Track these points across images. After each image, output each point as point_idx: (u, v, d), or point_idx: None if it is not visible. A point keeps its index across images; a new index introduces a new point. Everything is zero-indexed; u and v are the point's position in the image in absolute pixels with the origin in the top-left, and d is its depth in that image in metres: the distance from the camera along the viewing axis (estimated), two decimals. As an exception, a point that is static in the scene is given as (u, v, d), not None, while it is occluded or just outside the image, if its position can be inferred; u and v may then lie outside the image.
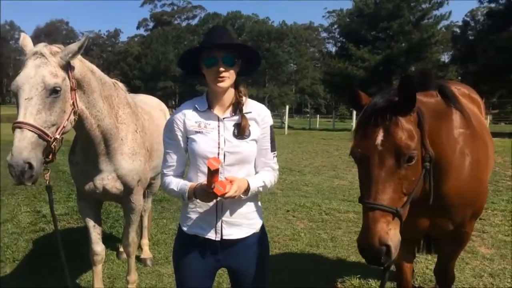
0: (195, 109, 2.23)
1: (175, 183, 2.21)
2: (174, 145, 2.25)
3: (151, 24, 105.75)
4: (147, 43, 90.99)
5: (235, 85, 2.23)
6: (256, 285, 2.30)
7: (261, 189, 2.21)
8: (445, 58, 51.58)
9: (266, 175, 2.25)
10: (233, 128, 2.18)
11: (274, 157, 2.30)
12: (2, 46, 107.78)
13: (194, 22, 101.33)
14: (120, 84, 3.67)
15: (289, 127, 30.17)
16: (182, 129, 2.22)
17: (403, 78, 1.95)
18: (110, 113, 3.19)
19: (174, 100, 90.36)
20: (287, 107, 33.23)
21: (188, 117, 2.21)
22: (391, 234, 1.84)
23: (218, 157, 2.11)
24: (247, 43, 2.18)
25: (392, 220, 1.87)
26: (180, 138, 2.22)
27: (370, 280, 4.30)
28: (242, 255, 2.25)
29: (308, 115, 55.43)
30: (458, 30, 46.85)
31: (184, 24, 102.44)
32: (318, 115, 50.17)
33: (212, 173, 1.93)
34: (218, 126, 2.18)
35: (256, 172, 2.28)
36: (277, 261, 4.80)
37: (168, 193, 2.30)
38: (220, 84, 2.12)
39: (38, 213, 6.65)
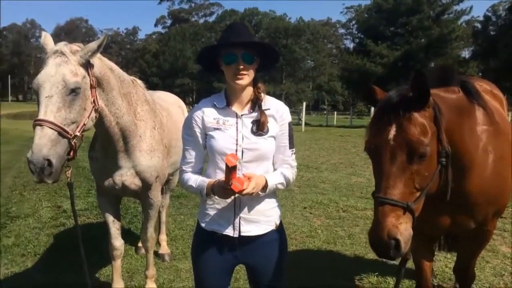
0: (214, 106, 2.23)
1: (194, 179, 2.23)
2: (193, 141, 2.26)
3: (169, 22, 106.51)
4: (164, 40, 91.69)
5: (254, 82, 2.22)
6: (273, 282, 2.30)
7: (279, 186, 2.21)
8: (466, 54, 50.71)
9: (285, 172, 2.24)
10: (251, 125, 2.18)
11: (292, 154, 2.29)
12: (23, 44, 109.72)
13: (211, 19, 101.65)
14: (139, 81, 3.70)
15: (306, 124, 30.08)
16: (201, 126, 2.23)
17: (416, 74, 1.94)
18: (128, 110, 3.23)
19: (191, 97, 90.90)
20: (304, 104, 33.08)
21: (207, 114, 2.22)
22: (401, 228, 1.85)
23: (236, 154, 2.12)
24: (264, 40, 2.18)
25: (403, 215, 1.88)
26: (199, 135, 2.24)
27: (388, 277, 4.26)
28: (260, 252, 2.25)
29: (325, 112, 55.14)
30: (479, 25, 46.07)
31: (201, 21, 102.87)
32: (335, 112, 49.90)
33: (230, 170, 1.93)
34: (237, 123, 2.18)
35: (275, 169, 2.27)
36: (294, 258, 4.79)
37: (186, 189, 2.31)
38: (239, 82, 2.13)
39: (58, 208, 6.77)
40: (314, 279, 4.27)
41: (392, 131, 1.94)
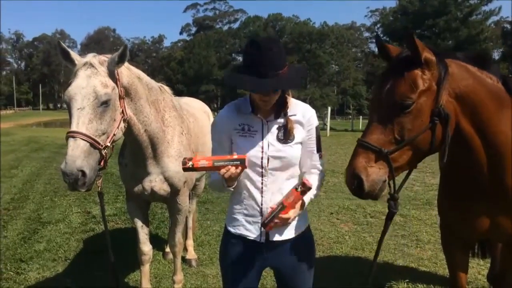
0: (239, 111, 2.21)
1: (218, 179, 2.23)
2: (220, 147, 2.25)
3: (193, 29, 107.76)
4: (189, 47, 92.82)
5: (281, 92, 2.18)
6: (301, 287, 2.28)
7: (313, 197, 2.19)
8: (495, 55, 49.41)
9: (315, 182, 2.20)
10: (277, 131, 2.16)
11: (320, 157, 2.26)
12: (53, 54, 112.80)
13: (235, 25, 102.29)
14: (166, 88, 3.74)
15: (331, 128, 29.86)
16: (227, 132, 2.21)
17: (406, 36, 2.04)
18: (156, 118, 3.26)
19: (216, 103, 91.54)
20: (329, 108, 32.86)
21: (232, 119, 2.20)
22: (370, 170, 1.97)
23: (262, 161, 2.12)
24: (291, 67, 2.03)
25: (375, 159, 1.99)
26: (225, 140, 2.23)
27: (419, 285, 4.16)
28: (288, 256, 2.23)
29: (350, 117, 54.57)
30: (508, 26, 44.78)
31: (225, 28, 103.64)
32: (360, 116, 49.28)
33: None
34: (262, 129, 2.16)
35: (303, 173, 2.25)
36: (321, 263, 4.72)
37: (212, 187, 2.31)
38: (265, 105, 2.11)
39: (88, 214, 6.90)
40: (342, 286, 4.21)
41: (387, 86, 2.06)
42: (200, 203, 7.30)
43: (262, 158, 2.13)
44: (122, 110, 2.82)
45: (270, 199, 2.15)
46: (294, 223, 2.20)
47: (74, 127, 2.53)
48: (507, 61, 36.63)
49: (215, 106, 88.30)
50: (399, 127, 2.01)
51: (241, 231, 2.23)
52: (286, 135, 2.14)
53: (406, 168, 2.15)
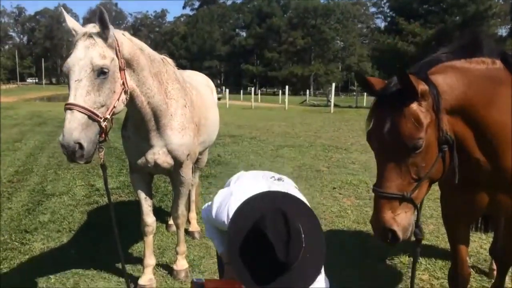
0: None
1: (214, 233, 2.33)
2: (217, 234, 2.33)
3: (197, 3, 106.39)
4: (193, 22, 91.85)
5: None
6: None
7: None
8: (503, 31, 48.59)
9: None
10: None
11: None
12: (55, 28, 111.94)
13: (239, 0, 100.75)
14: (169, 60, 3.69)
15: (335, 105, 29.73)
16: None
17: (398, 72, 1.91)
18: (159, 90, 3.23)
19: (219, 79, 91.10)
20: (333, 85, 32.64)
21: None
22: (398, 219, 1.94)
23: None
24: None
25: (400, 205, 1.96)
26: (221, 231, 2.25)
27: (421, 258, 4.18)
28: None
29: (354, 93, 54.25)
30: (518, 1, 43.89)
31: (229, 2, 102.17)
32: (365, 93, 48.96)
33: None
34: None
35: None
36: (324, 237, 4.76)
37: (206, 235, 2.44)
38: None
39: (92, 187, 6.94)
40: (344, 259, 4.24)
41: (386, 126, 1.96)
42: (203, 178, 7.32)
43: None
44: (123, 82, 2.78)
45: None
46: None
47: (71, 99, 2.50)
48: (515, 38, 36.06)
49: (218, 82, 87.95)
50: (414, 167, 1.96)
51: None
52: None
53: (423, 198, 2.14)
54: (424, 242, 4.65)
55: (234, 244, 1.71)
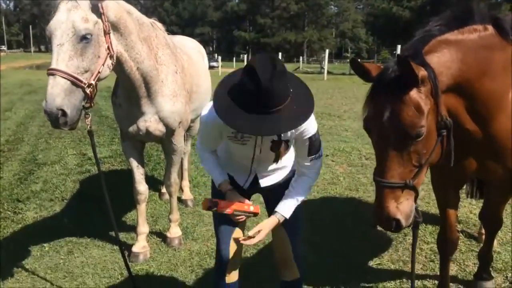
0: None
1: (212, 164, 2.30)
2: (211, 136, 2.23)
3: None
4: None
5: None
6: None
7: (299, 203, 2.23)
8: (499, -4, 47.93)
9: (301, 189, 2.21)
10: (270, 143, 2.12)
11: (311, 160, 2.16)
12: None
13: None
14: (158, 24, 3.59)
15: (328, 72, 29.52)
16: (218, 133, 2.15)
17: (398, 59, 1.85)
18: (149, 55, 3.15)
19: (211, 46, 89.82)
20: (327, 51, 32.26)
21: (225, 126, 1.97)
22: (401, 207, 1.93)
23: (253, 159, 2.20)
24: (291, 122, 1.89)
25: (402, 193, 1.94)
26: (217, 136, 2.20)
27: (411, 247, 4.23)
28: (279, 188, 2.31)
29: (348, 60, 53.88)
30: (514, -36, 43.10)
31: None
32: (359, 60, 48.63)
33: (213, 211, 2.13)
34: (256, 140, 2.12)
35: (299, 167, 2.24)
36: (316, 204, 4.81)
37: (203, 166, 2.39)
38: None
39: (83, 156, 6.89)
40: (337, 225, 4.29)
41: (386, 113, 1.89)
42: (195, 145, 7.29)
43: (253, 158, 2.21)
44: (108, 46, 2.70)
45: (263, 167, 2.29)
46: (282, 173, 2.35)
47: (54, 65, 2.45)
48: (510, 2, 35.53)
49: (211, 49, 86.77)
50: (416, 154, 1.93)
51: (230, 172, 2.34)
52: (276, 157, 2.18)
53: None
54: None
55: (222, 97, 1.89)
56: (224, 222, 2.33)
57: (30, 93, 16.19)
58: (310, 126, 2.09)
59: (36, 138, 8.25)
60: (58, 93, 2.41)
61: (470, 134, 2.25)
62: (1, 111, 11.24)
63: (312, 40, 77.01)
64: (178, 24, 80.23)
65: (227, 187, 2.23)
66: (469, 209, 4.56)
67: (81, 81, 2.50)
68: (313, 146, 2.13)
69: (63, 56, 2.46)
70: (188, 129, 4.41)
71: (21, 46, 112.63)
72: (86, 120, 2.64)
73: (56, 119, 2.43)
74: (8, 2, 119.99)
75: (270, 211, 2.32)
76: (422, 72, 1.88)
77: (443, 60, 2.02)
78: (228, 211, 2.09)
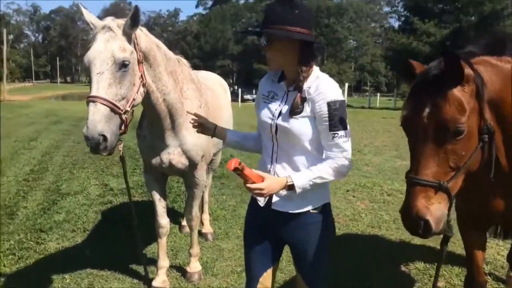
0: (272, 80, 2.29)
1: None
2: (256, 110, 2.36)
3: (209, 2, 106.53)
4: (205, 21, 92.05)
5: (299, 61, 2.11)
6: (313, 265, 2.23)
7: (317, 181, 2.07)
8: (520, 31, 47.82)
9: (323, 166, 2.09)
10: (293, 101, 2.13)
11: (334, 137, 2.05)
12: (70, 26, 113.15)
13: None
14: (184, 61, 3.69)
15: (348, 105, 29.51)
16: (257, 97, 2.34)
17: (446, 54, 1.84)
18: (175, 88, 3.24)
19: (231, 78, 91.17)
20: (346, 85, 32.49)
21: (265, 86, 2.29)
22: (432, 208, 1.82)
23: (271, 128, 2.16)
24: (287, 28, 2.02)
25: (435, 195, 1.84)
26: (256, 105, 2.35)
27: (436, 264, 4.12)
28: (301, 232, 2.20)
29: (367, 94, 53.89)
30: (535, 1, 43.15)
31: (242, 1, 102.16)
32: (378, 94, 48.65)
33: (237, 173, 1.99)
34: (281, 99, 2.18)
35: (326, 156, 2.13)
36: (337, 241, 4.71)
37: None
38: (269, 65, 2.17)
39: (106, 186, 6.98)
40: (358, 263, 4.20)
41: (427, 109, 1.86)
42: (216, 178, 7.32)
43: (271, 125, 2.15)
44: (141, 75, 2.81)
45: (281, 170, 2.16)
46: (299, 196, 2.11)
47: (94, 92, 2.52)
48: (531, 38, 35.39)
49: (231, 81, 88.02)
50: (453, 155, 1.87)
51: None
52: (292, 108, 2.10)
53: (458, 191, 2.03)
54: (439, 246, 4.59)
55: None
56: (255, 262, 2.30)
57: (55, 123, 16.61)
58: (328, 87, 2.07)
59: (60, 167, 8.40)
60: (99, 119, 2.49)
61: (500, 167, 2.18)
62: (27, 141, 11.54)
63: (331, 73, 77.49)
64: (199, 57, 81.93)
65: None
66: (496, 250, 4.43)
67: (118, 108, 2.59)
68: (333, 116, 2.03)
69: (103, 84, 2.55)
70: (210, 162, 4.44)
71: (48, 77, 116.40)
72: (119, 146, 2.72)
73: (97, 144, 2.50)
74: (37, 34, 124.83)
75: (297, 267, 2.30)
76: (467, 70, 1.87)
77: (488, 73, 2.01)
78: (247, 178, 2.00)
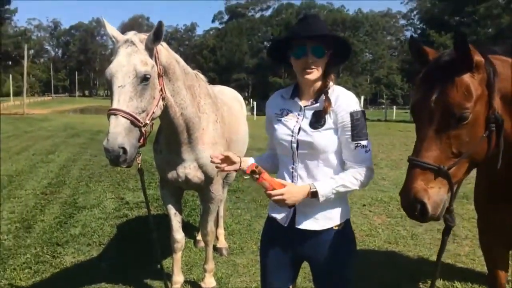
0: (282, 97, 2.28)
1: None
2: (268, 129, 2.34)
3: (226, 17, 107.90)
4: (221, 35, 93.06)
5: (324, 75, 2.13)
6: (335, 284, 2.20)
7: (340, 189, 2.05)
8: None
9: (346, 175, 2.08)
10: (311, 116, 2.12)
11: (357, 147, 2.08)
12: (89, 42, 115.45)
13: (267, 13, 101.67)
14: (201, 76, 3.72)
15: (364, 118, 29.35)
16: (270, 117, 2.30)
17: (457, 37, 1.85)
18: (192, 102, 3.26)
19: (247, 91, 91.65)
20: (362, 98, 32.36)
21: (273, 105, 2.29)
22: (430, 192, 1.81)
23: (291, 145, 2.13)
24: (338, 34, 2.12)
25: (435, 179, 1.82)
26: (270, 126, 2.30)
27: (456, 282, 4.02)
28: (322, 250, 2.15)
29: (383, 106, 53.55)
30: (554, 12, 42.58)
31: (258, 15, 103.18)
32: (394, 106, 48.23)
33: (254, 178, 1.99)
34: (298, 115, 2.16)
35: (348, 167, 2.13)
36: (354, 257, 4.65)
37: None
38: (308, 76, 2.08)
39: (121, 200, 7.02)
40: (375, 280, 4.11)
41: (434, 93, 1.87)
42: (231, 192, 7.31)
43: (291, 142, 2.12)
44: (161, 88, 2.84)
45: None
46: (323, 214, 2.11)
47: (115, 105, 2.55)
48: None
49: (246, 94, 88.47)
50: (457, 140, 1.85)
51: (273, 212, 2.24)
52: (317, 119, 2.09)
53: (461, 181, 2.00)
54: (459, 264, 4.49)
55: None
56: (273, 282, 2.28)
57: (73, 136, 16.84)
58: (348, 98, 2.10)
59: (77, 181, 8.49)
60: (120, 132, 2.51)
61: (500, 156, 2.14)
62: (45, 154, 11.71)
63: (347, 86, 77.13)
64: (215, 71, 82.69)
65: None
66: (518, 268, 4.29)
67: (138, 121, 2.61)
68: (356, 127, 2.05)
69: (124, 97, 2.57)
70: (226, 176, 4.43)
71: (66, 91, 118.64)
72: (137, 159, 2.73)
73: (117, 157, 2.51)
74: (57, 49, 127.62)
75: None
76: (477, 57, 1.86)
77: (504, 68, 2.00)
78: (266, 185, 1.98)
